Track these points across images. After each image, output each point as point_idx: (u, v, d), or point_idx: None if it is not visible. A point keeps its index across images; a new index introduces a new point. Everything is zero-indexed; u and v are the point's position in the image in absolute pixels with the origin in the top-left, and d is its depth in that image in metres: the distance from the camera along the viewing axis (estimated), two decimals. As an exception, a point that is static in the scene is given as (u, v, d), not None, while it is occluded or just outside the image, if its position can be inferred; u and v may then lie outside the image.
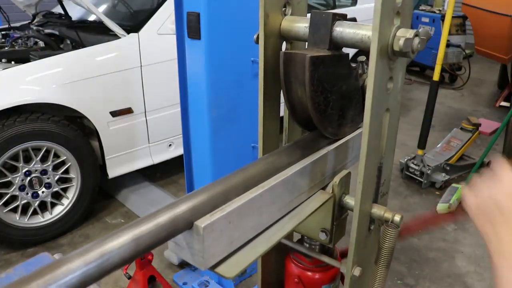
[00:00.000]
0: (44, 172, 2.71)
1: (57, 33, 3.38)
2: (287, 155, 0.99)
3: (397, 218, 0.98)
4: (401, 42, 0.80)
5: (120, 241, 0.64)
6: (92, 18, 3.45)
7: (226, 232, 0.76)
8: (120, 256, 0.63)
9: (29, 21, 3.95)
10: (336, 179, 1.03)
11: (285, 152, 1.00)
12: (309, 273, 1.22)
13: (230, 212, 0.76)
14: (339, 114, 1.05)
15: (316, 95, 0.94)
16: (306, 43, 1.03)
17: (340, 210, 1.07)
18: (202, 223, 0.71)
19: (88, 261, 0.59)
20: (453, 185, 3.42)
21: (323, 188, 1.07)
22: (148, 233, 0.67)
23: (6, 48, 3.06)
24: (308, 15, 1.02)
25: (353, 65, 1.05)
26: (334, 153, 1.09)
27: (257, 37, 1.01)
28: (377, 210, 1.01)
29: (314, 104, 0.96)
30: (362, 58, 1.06)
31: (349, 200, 1.05)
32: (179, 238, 0.74)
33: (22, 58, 2.87)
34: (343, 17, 0.95)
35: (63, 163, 2.77)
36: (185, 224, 0.72)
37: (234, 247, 0.80)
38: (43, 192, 2.75)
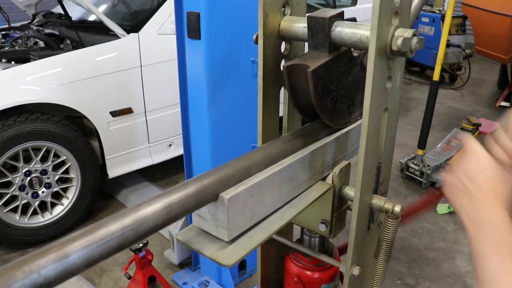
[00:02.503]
0: (44, 172, 2.71)
1: (57, 33, 3.38)
2: (304, 137, 1.02)
3: (397, 208, 0.98)
4: (399, 42, 0.80)
5: (153, 208, 0.67)
6: (92, 18, 3.45)
7: (248, 204, 0.81)
8: (153, 222, 0.67)
9: (29, 21, 3.95)
10: (336, 169, 1.03)
11: (302, 133, 1.03)
12: (309, 273, 1.22)
13: (253, 186, 0.81)
14: (349, 103, 1.06)
15: (323, 99, 0.97)
16: (305, 43, 1.03)
17: (340, 201, 1.07)
18: (227, 194, 0.76)
19: (125, 225, 0.63)
20: (453, 185, 3.42)
21: (323, 179, 1.07)
22: (178, 201, 0.71)
23: (6, 48, 3.06)
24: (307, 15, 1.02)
25: (355, 54, 1.05)
26: (335, 143, 1.10)
27: (257, 37, 1.01)
28: (377, 201, 1.01)
29: (322, 108, 0.99)
30: None
31: (349, 191, 1.05)
32: (203, 211, 0.79)
33: (22, 58, 2.88)
34: (340, 15, 0.95)
35: (63, 163, 2.77)
36: (211, 196, 0.76)
37: (254, 220, 0.84)
38: (43, 192, 2.75)
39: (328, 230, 1.09)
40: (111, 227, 0.62)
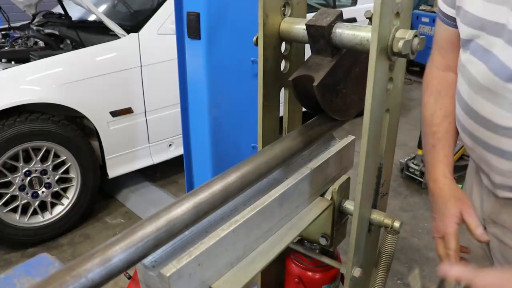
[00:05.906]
0: (44, 172, 2.71)
1: (57, 33, 3.38)
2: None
3: (396, 224, 0.98)
4: (400, 44, 0.80)
5: (183, 208, 0.70)
6: (92, 18, 3.44)
7: (196, 274, 0.73)
8: (184, 221, 0.70)
9: (29, 21, 3.95)
10: (336, 185, 1.02)
11: (314, 121, 1.03)
12: (310, 273, 1.22)
13: (199, 255, 0.72)
14: (359, 90, 1.05)
15: (333, 101, 0.97)
16: (306, 44, 1.03)
17: (340, 216, 1.07)
18: (167, 271, 0.68)
19: (159, 226, 0.66)
20: (453, 185, 3.42)
21: (322, 195, 1.06)
22: (205, 200, 0.73)
23: (6, 48, 3.06)
24: (309, 15, 1.02)
25: None
26: (334, 159, 1.09)
27: (256, 40, 1.00)
28: (377, 216, 1.00)
29: (333, 110, 0.99)
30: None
31: (349, 205, 1.05)
32: (151, 279, 0.71)
33: (22, 58, 2.87)
34: (339, 17, 0.94)
35: (63, 163, 2.77)
36: (236, 191, 0.79)
37: (208, 284, 0.78)
38: (43, 192, 2.75)
39: (329, 243, 1.09)
40: (147, 230, 0.65)
